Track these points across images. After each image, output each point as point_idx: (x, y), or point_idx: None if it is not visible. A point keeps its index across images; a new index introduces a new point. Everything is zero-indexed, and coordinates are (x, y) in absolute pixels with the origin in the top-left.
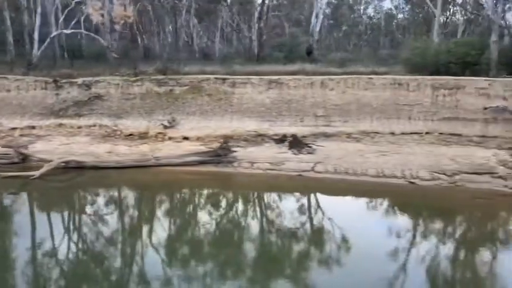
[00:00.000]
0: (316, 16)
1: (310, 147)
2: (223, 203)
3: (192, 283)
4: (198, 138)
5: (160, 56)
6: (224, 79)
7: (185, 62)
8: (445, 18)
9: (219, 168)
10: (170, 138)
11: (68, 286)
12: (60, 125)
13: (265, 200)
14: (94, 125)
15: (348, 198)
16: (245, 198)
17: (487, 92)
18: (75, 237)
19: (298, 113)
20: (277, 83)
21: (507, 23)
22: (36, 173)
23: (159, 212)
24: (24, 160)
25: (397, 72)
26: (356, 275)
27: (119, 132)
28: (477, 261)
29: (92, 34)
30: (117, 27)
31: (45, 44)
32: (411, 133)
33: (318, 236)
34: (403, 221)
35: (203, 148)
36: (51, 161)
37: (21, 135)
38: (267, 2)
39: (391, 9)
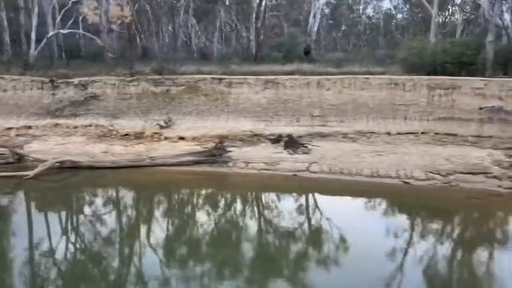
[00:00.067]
0: (314, 16)
1: (305, 147)
2: (217, 203)
3: (187, 283)
4: (194, 138)
5: (158, 56)
6: (221, 79)
7: (182, 62)
8: (443, 19)
9: (214, 168)
10: (166, 138)
11: (63, 286)
12: (56, 125)
13: (260, 200)
14: (90, 125)
15: (342, 198)
16: (239, 198)
17: (483, 92)
18: (68, 237)
19: (295, 113)
20: (273, 83)
21: (504, 23)
22: (31, 173)
23: (154, 212)
24: (19, 160)
25: (394, 72)
26: (352, 274)
27: (114, 132)
28: (473, 261)
29: (89, 34)
30: (114, 27)
31: (42, 44)
32: (407, 133)
33: (312, 235)
34: (396, 220)
35: (199, 148)
36: (46, 161)
37: (17, 135)
38: (264, 2)
39: (390, 9)
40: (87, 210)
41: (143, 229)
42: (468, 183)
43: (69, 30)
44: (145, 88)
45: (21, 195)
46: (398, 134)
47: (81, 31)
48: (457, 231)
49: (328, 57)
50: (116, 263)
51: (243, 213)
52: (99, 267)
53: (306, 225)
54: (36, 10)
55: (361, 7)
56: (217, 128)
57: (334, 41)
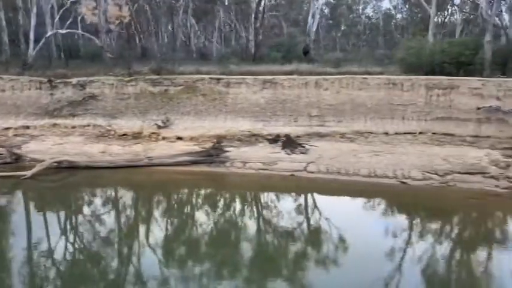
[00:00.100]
0: (313, 16)
1: (303, 147)
2: (214, 203)
3: (184, 283)
4: (192, 138)
5: (157, 56)
6: (219, 79)
7: (181, 62)
8: (443, 18)
9: (211, 168)
10: (164, 138)
11: (61, 286)
12: (54, 125)
13: (257, 199)
14: (88, 125)
15: (339, 198)
16: (236, 198)
17: (481, 92)
18: (65, 236)
19: (293, 113)
20: (271, 83)
21: (503, 23)
22: (28, 173)
23: (151, 212)
24: (17, 160)
25: (393, 72)
26: (349, 274)
27: (112, 132)
28: (472, 261)
29: (87, 34)
30: (112, 27)
31: (40, 44)
32: (405, 133)
33: (309, 235)
34: (392, 220)
35: (196, 148)
36: (43, 160)
37: (15, 135)
38: (263, 2)
39: (389, 9)
40: (84, 210)
41: (141, 229)
42: (465, 183)
43: (68, 30)
44: (144, 88)
45: (18, 195)
46: (396, 134)
47: (79, 31)
48: (454, 231)
49: (327, 57)
50: (113, 263)
51: (240, 213)
52: (96, 267)
53: (303, 225)
54: (34, 10)
55: (360, 7)
56: (215, 128)
57: (333, 41)
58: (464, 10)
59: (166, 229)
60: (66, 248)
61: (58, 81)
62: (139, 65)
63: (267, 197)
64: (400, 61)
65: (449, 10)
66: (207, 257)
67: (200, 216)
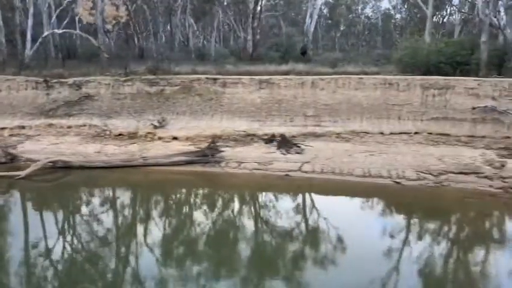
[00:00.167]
0: (311, 16)
1: (298, 147)
2: (207, 203)
3: (180, 282)
4: (188, 138)
5: (155, 56)
6: (215, 79)
7: (179, 62)
8: (441, 18)
9: (206, 168)
10: (160, 138)
11: (59, 286)
12: (50, 125)
13: (251, 199)
14: (84, 125)
15: (333, 198)
16: (230, 197)
17: (476, 92)
18: (58, 236)
19: (288, 113)
20: (268, 83)
21: (501, 23)
22: (22, 173)
23: (145, 212)
24: (12, 160)
25: (390, 72)
26: (344, 273)
27: (108, 132)
28: (468, 260)
29: (84, 34)
30: (109, 27)
31: (37, 44)
32: (400, 133)
33: (302, 235)
34: (385, 219)
35: (192, 148)
36: (38, 160)
37: (11, 135)
38: (260, 2)
39: (388, 9)
40: (79, 210)
41: (136, 228)
42: (459, 183)
43: (64, 30)
44: (140, 88)
45: (11, 195)
46: (392, 134)
47: (76, 31)
48: (449, 231)
49: (325, 57)
50: (109, 263)
51: (234, 212)
52: (91, 267)
53: (295, 225)
54: (31, 10)
55: (359, 7)
56: (211, 128)
57: (332, 41)
58: (462, 10)
59: (162, 228)
60: (59, 247)
61: (54, 81)
62: (137, 65)
63: (261, 196)
64: (397, 61)
65: (448, 10)
66: (203, 256)
67: (195, 215)
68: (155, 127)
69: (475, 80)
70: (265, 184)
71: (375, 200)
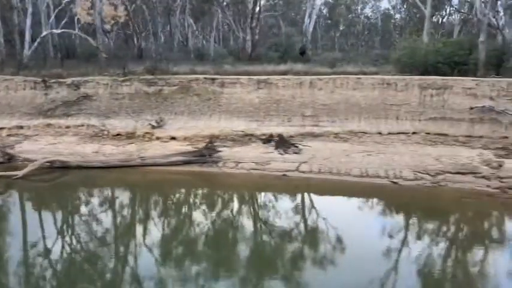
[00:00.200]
0: (310, 16)
1: (296, 147)
2: (205, 203)
3: (178, 281)
4: (186, 138)
5: (153, 56)
6: (213, 79)
7: (177, 61)
8: (441, 18)
9: (203, 168)
10: (158, 138)
11: (57, 285)
12: (48, 125)
13: (248, 199)
14: (82, 125)
15: (329, 198)
16: (227, 197)
17: (474, 92)
18: (55, 236)
19: (286, 113)
20: (266, 83)
21: (499, 23)
22: (19, 173)
23: (143, 212)
24: (10, 160)
25: (388, 72)
26: (341, 273)
27: (106, 132)
28: (467, 260)
29: (82, 34)
30: (108, 27)
31: (35, 43)
32: (398, 133)
33: (299, 234)
34: (382, 219)
35: (190, 148)
36: (36, 160)
37: (9, 135)
38: (259, 2)
39: (388, 9)
40: (76, 209)
41: (134, 228)
42: (457, 183)
43: (63, 30)
44: (138, 88)
45: (9, 194)
46: (390, 134)
47: (75, 31)
48: (447, 231)
49: (323, 57)
50: (107, 262)
51: (231, 212)
52: (89, 266)
53: (293, 224)
54: (30, 9)
55: (359, 7)
56: (209, 128)
57: (332, 41)
58: (461, 11)
59: (160, 228)
60: (57, 247)
61: (52, 81)
62: (135, 65)
63: (258, 196)
64: (395, 61)
65: (448, 10)
66: (201, 256)
67: (192, 215)
68: (153, 127)
69: (473, 80)
70: (262, 184)
71: (372, 200)
